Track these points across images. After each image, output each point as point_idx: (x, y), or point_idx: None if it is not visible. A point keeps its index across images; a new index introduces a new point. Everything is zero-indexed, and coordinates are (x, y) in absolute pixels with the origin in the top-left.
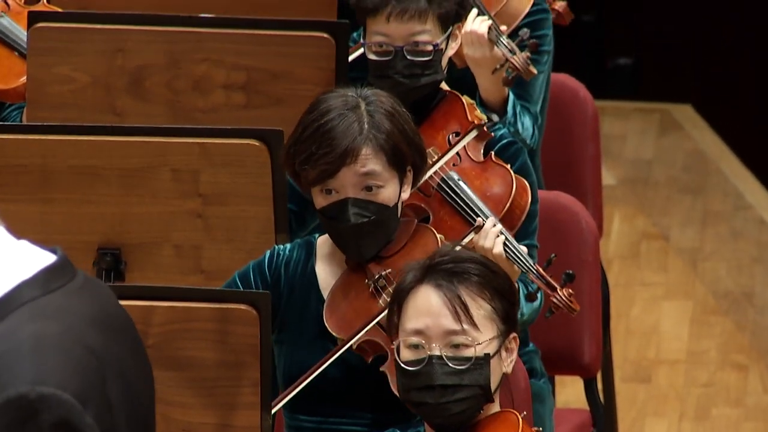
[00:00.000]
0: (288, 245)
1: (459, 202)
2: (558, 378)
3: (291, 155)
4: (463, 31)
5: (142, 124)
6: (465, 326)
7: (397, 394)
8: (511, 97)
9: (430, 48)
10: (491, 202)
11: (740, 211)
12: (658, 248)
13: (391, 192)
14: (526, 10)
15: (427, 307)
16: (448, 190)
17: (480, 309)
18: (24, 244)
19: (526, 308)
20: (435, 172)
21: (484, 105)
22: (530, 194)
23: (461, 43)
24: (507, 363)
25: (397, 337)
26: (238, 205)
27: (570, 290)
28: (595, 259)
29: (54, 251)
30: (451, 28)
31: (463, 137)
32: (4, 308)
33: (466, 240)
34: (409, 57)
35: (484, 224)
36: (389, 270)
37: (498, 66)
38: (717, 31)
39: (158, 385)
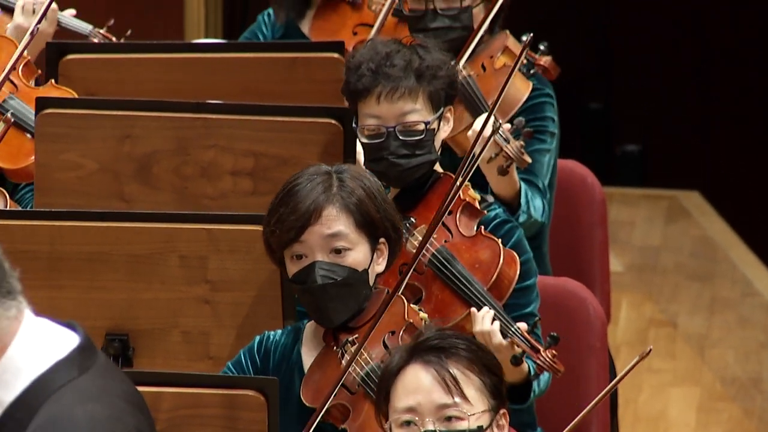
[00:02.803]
0: (279, 331)
1: (449, 276)
2: None
3: (266, 223)
4: (470, 132)
5: (149, 210)
6: (456, 399)
7: None
8: (523, 187)
9: (421, 127)
10: (479, 272)
11: (748, 298)
12: (665, 335)
13: (361, 256)
14: (524, 98)
15: (417, 384)
16: (438, 264)
17: (470, 382)
18: (44, 321)
19: (536, 384)
20: (426, 249)
21: (497, 199)
22: (519, 266)
23: (466, 125)
24: None
25: (387, 421)
26: (245, 291)
27: (554, 352)
28: (602, 345)
29: (72, 327)
30: (442, 109)
31: (443, 212)
32: (47, 387)
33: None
34: (401, 137)
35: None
36: (356, 336)
37: (493, 155)
38: (724, 119)
39: None
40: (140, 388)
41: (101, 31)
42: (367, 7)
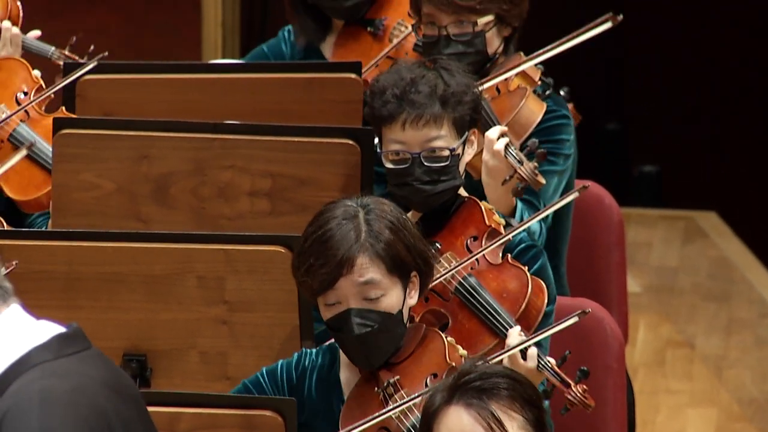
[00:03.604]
0: (314, 350)
1: (476, 305)
2: None
3: (295, 267)
4: (484, 138)
5: (167, 231)
6: None
7: None
8: (519, 205)
9: (446, 153)
10: (507, 303)
11: (765, 318)
12: (683, 356)
13: (394, 299)
14: (537, 120)
15: (461, 428)
16: (465, 293)
17: (513, 421)
18: (42, 322)
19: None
20: (453, 277)
21: None
22: (546, 295)
23: (482, 148)
24: None
25: None
26: (263, 311)
27: (584, 386)
28: (620, 366)
29: (68, 326)
30: (466, 133)
31: (484, 246)
32: (17, 370)
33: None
34: (426, 163)
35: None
36: (397, 377)
37: (507, 177)
38: (741, 140)
39: None
40: (158, 409)
41: (64, 51)
42: (388, 39)
